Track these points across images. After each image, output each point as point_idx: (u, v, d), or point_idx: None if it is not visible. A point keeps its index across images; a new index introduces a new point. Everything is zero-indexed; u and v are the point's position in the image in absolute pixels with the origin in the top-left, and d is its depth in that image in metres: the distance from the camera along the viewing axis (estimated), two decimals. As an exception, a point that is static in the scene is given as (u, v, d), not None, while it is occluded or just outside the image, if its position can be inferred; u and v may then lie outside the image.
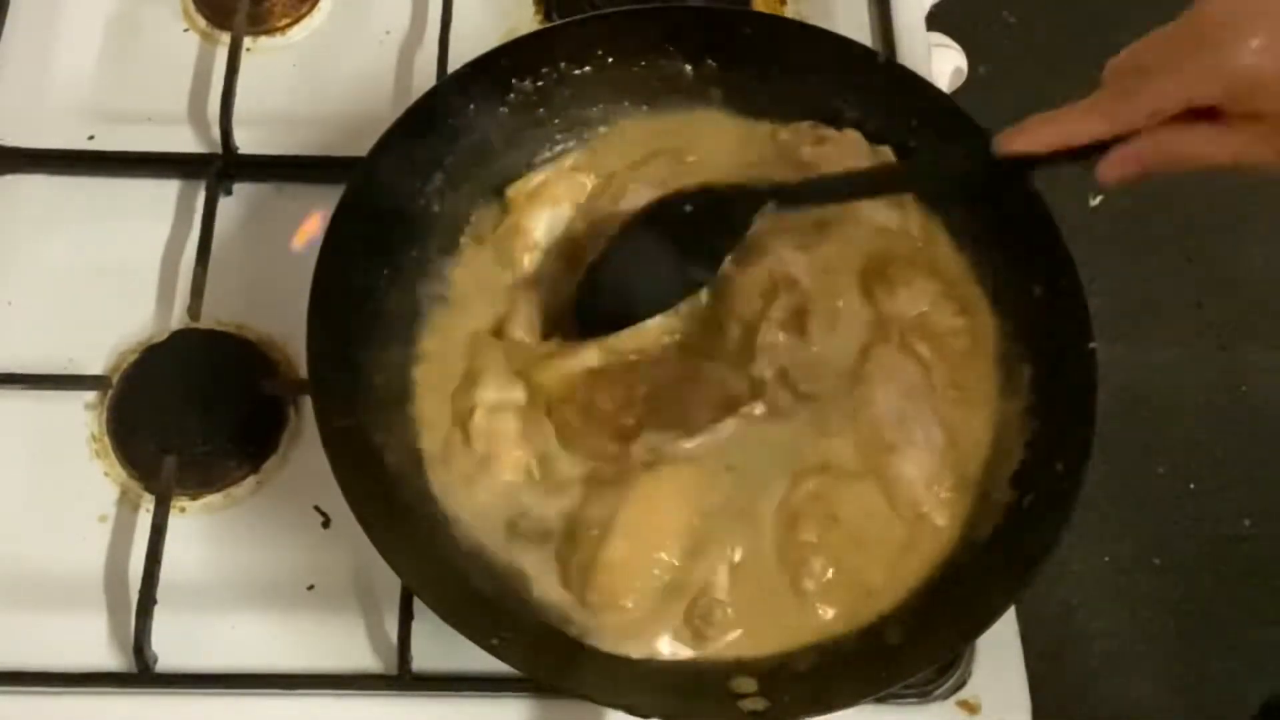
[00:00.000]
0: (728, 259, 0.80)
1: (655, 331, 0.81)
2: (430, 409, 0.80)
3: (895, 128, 0.86)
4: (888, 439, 0.77)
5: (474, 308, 0.83)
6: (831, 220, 0.83)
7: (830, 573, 0.74)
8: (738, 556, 0.74)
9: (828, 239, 0.82)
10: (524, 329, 0.81)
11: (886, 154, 0.85)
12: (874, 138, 0.86)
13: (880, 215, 0.83)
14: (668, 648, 0.73)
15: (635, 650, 0.73)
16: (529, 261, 0.84)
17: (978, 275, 0.83)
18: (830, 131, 0.86)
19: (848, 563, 0.75)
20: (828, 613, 0.74)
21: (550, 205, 0.85)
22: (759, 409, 0.77)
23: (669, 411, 0.78)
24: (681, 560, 0.74)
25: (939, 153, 0.84)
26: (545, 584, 0.74)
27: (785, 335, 0.79)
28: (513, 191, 0.86)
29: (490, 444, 0.77)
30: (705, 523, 0.75)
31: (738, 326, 0.80)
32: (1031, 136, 0.70)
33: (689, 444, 0.76)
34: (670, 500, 0.75)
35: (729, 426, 0.77)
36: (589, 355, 0.79)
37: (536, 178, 0.86)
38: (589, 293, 0.80)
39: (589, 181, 0.86)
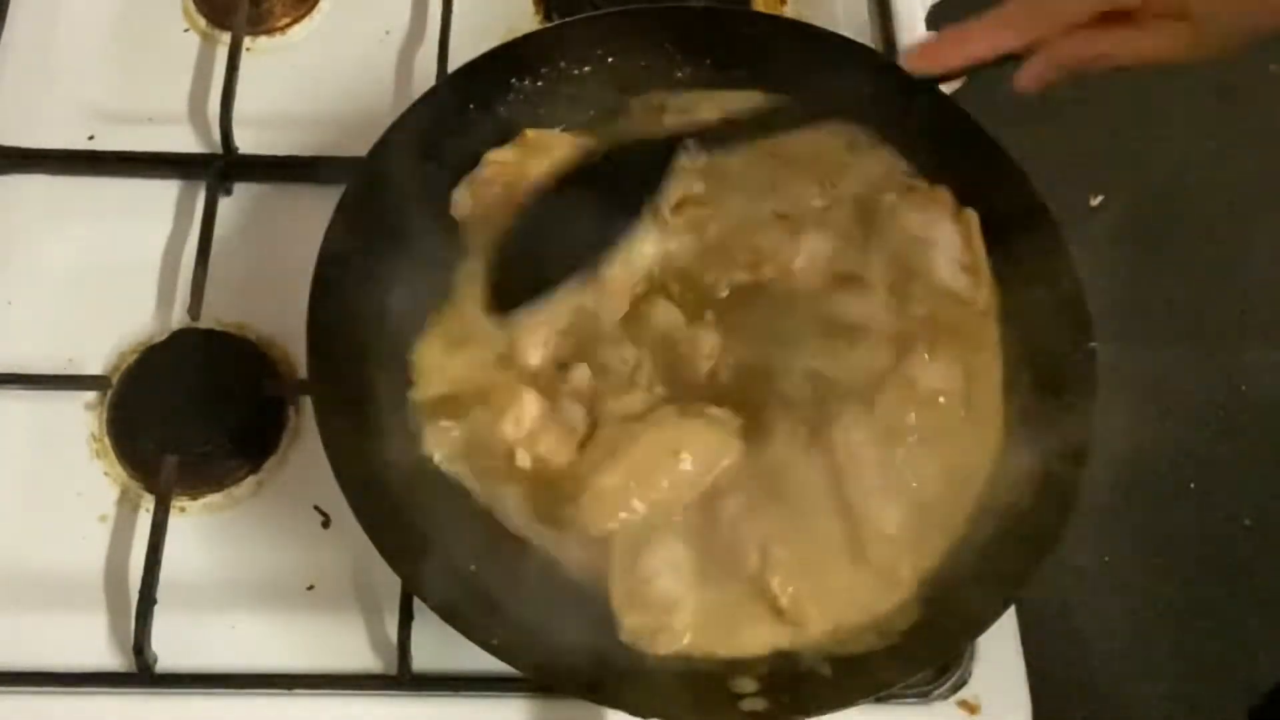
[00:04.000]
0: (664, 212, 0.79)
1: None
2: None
3: (895, 127, 0.86)
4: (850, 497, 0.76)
5: (475, 307, 0.83)
6: (904, 277, 0.82)
7: (790, 590, 0.73)
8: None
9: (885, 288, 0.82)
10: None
11: (971, 217, 0.83)
12: (872, 137, 0.86)
13: (953, 277, 0.82)
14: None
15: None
16: None
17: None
18: (920, 183, 0.85)
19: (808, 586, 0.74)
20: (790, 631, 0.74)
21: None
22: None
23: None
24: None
25: (852, 79, 0.83)
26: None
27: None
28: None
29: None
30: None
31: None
32: (942, 56, 0.70)
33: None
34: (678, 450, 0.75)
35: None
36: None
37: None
38: (502, 267, 0.78)
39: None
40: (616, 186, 0.78)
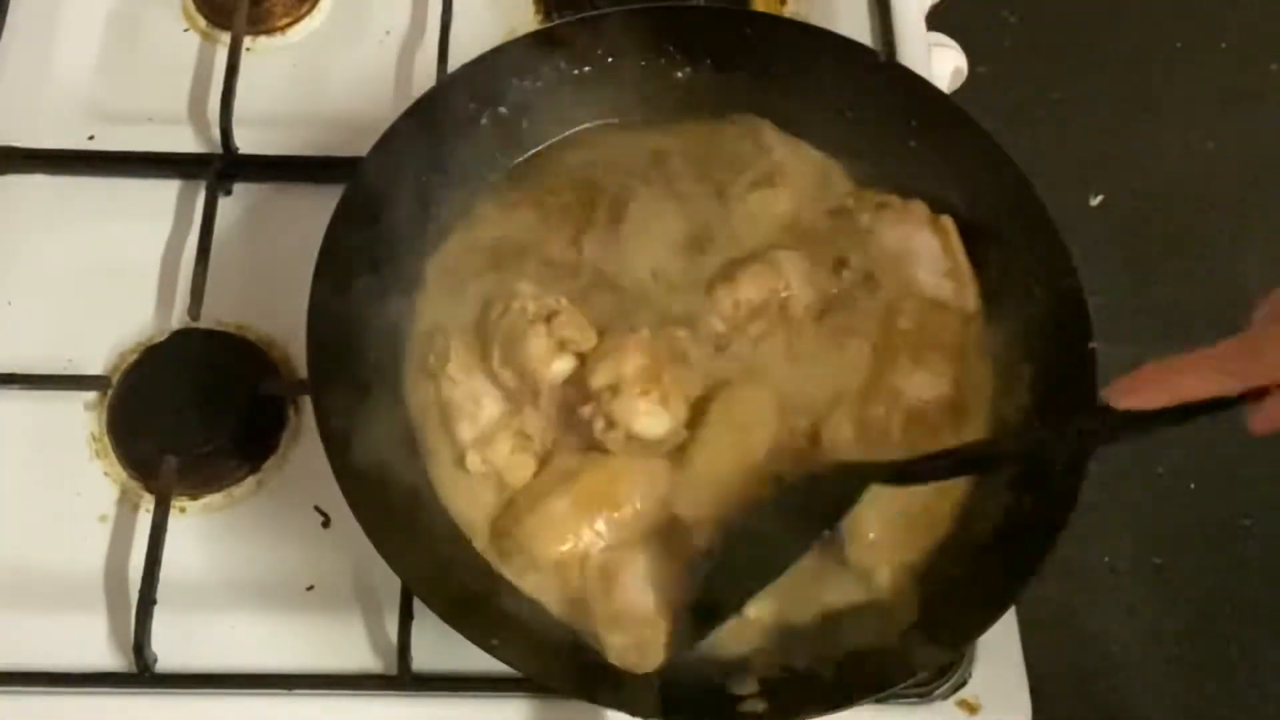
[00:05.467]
0: None
1: None
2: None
3: (895, 128, 0.86)
4: None
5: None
6: (881, 282, 0.82)
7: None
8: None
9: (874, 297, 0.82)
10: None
11: (948, 224, 0.83)
12: (872, 137, 0.87)
13: (936, 286, 0.82)
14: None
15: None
16: None
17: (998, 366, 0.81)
18: (893, 199, 0.85)
19: None
20: None
21: None
22: None
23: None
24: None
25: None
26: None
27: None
28: None
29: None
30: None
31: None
32: (1151, 392, 0.63)
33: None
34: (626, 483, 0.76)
35: None
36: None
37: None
38: (704, 588, 0.74)
39: None
40: (805, 513, 0.75)
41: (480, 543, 0.76)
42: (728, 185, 0.86)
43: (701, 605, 0.73)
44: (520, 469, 0.77)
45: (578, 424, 0.77)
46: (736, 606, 0.73)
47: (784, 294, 0.82)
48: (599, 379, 0.76)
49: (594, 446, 0.76)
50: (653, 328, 0.79)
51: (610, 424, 0.75)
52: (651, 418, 0.75)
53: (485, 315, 0.80)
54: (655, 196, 0.86)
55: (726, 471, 0.76)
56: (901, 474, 0.74)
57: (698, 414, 0.78)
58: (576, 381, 0.77)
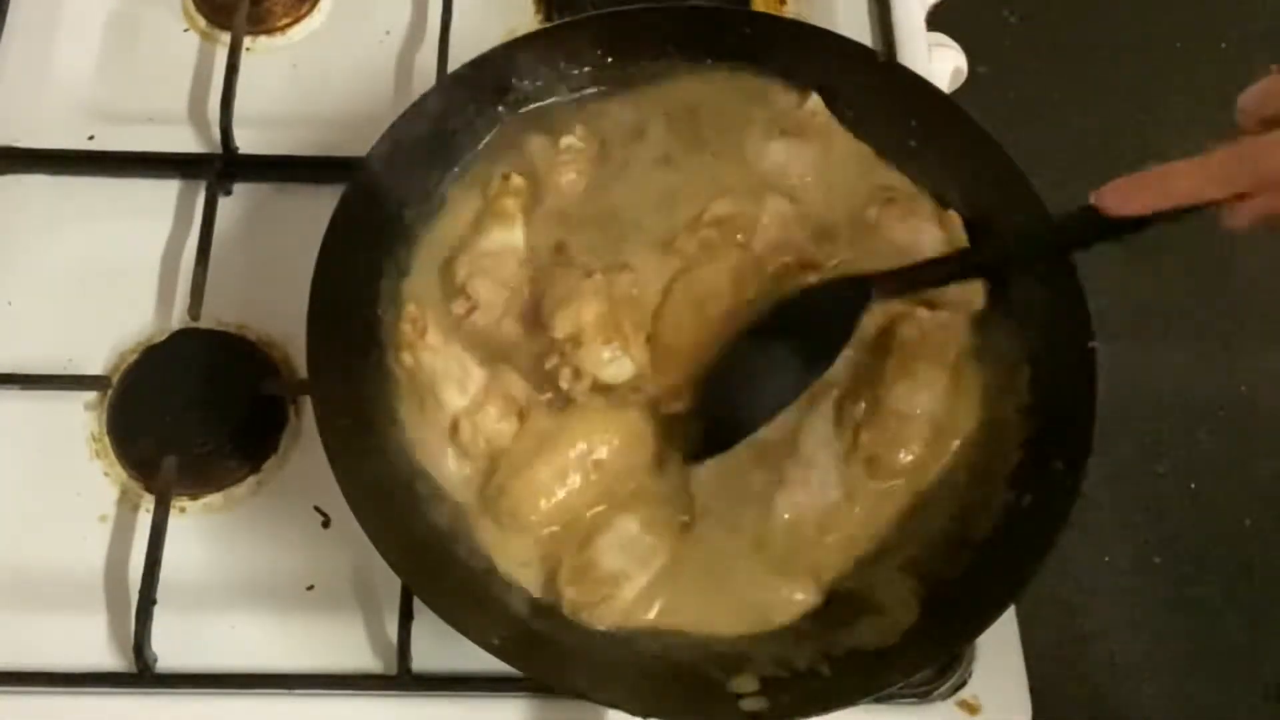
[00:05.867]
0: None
1: None
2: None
3: (895, 128, 0.86)
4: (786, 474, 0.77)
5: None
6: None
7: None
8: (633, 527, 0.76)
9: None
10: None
11: (954, 219, 0.83)
12: (872, 137, 0.87)
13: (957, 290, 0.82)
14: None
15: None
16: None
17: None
18: (899, 192, 0.85)
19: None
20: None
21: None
22: None
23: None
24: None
25: (1027, 224, 0.80)
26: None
27: None
28: (492, 191, 0.85)
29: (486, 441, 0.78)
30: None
31: None
32: (1138, 198, 0.65)
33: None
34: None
35: None
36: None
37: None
38: (705, 408, 0.77)
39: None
40: (809, 330, 0.77)
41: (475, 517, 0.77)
42: (746, 138, 0.86)
43: (715, 423, 0.76)
44: (506, 435, 0.77)
45: (551, 377, 0.77)
46: (747, 430, 0.75)
47: (754, 220, 0.82)
48: (560, 330, 0.77)
49: (566, 398, 0.77)
50: (609, 269, 0.79)
51: (577, 374, 0.76)
52: (615, 364, 0.77)
53: (449, 271, 0.82)
54: (653, 159, 0.86)
55: (694, 341, 0.78)
56: (904, 280, 0.76)
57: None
58: (536, 330, 0.78)
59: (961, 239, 0.83)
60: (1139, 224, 0.66)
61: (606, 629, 0.74)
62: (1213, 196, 0.63)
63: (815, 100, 0.87)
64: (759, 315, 0.78)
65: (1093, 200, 0.66)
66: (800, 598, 0.75)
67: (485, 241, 0.82)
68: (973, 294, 0.81)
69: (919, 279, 0.78)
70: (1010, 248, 0.81)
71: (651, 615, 0.74)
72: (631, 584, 0.74)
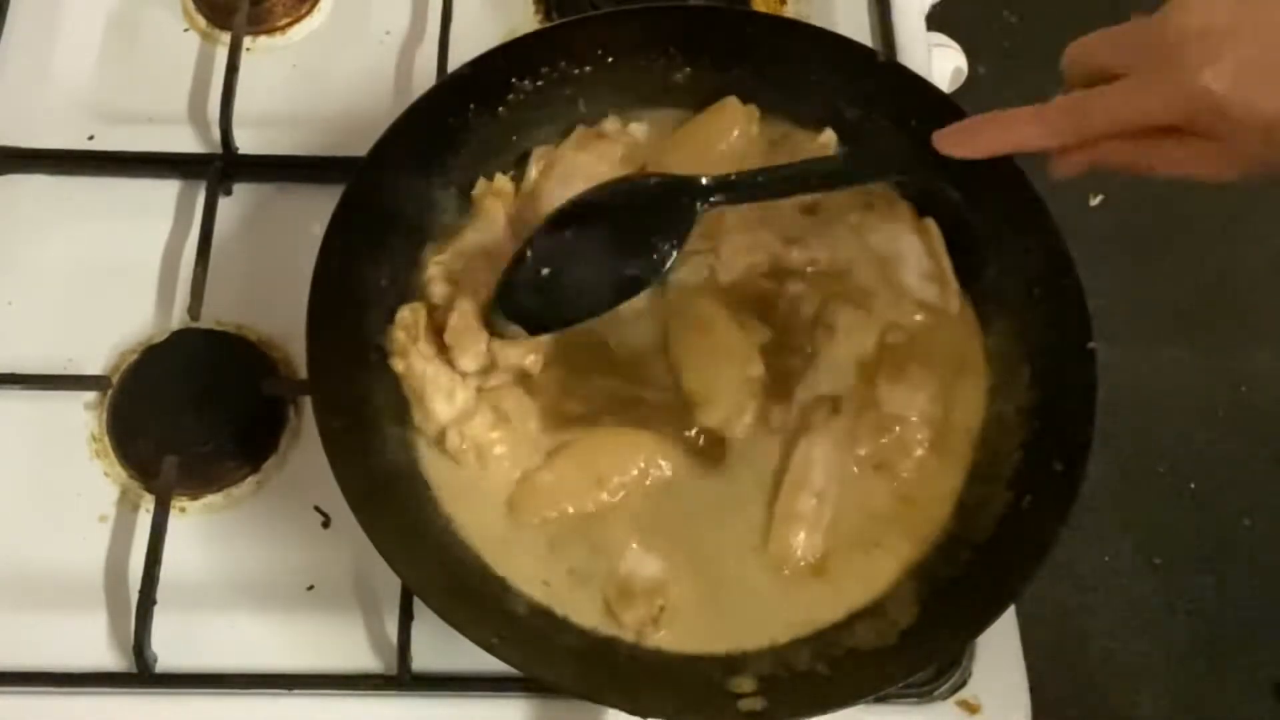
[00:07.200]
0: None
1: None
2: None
3: (895, 128, 0.86)
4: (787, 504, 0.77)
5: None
6: (873, 290, 0.83)
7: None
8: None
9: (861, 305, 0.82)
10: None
11: (931, 226, 0.84)
12: (874, 138, 0.87)
13: (920, 288, 0.83)
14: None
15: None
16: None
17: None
18: (879, 198, 0.85)
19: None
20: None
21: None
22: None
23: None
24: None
25: (881, 145, 0.83)
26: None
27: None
28: (477, 192, 0.86)
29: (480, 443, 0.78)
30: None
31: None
32: (974, 141, 0.69)
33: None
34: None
35: None
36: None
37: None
38: (512, 289, 0.75)
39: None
40: (641, 225, 0.75)
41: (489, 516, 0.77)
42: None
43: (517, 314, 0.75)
44: (497, 442, 0.78)
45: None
46: (548, 328, 0.76)
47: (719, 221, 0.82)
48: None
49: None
50: None
51: (495, 365, 0.78)
52: (514, 346, 0.78)
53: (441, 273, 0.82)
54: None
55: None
56: (737, 188, 0.75)
57: None
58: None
59: (939, 248, 0.83)
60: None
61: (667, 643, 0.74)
62: (1044, 145, 0.67)
63: (828, 134, 0.87)
64: (589, 200, 0.76)
65: (934, 142, 0.70)
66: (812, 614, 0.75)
67: (464, 242, 0.83)
68: (949, 298, 0.82)
69: (758, 188, 0.76)
70: (848, 166, 0.82)
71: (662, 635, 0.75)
72: (668, 593, 0.75)
